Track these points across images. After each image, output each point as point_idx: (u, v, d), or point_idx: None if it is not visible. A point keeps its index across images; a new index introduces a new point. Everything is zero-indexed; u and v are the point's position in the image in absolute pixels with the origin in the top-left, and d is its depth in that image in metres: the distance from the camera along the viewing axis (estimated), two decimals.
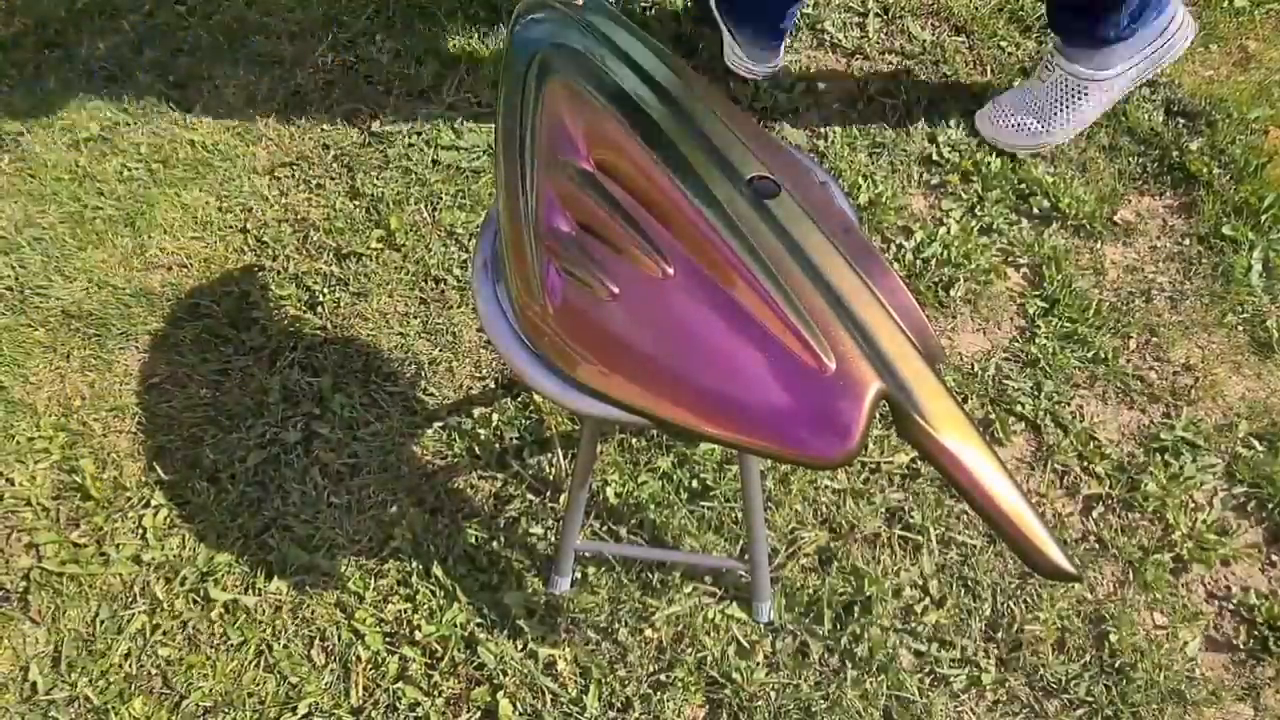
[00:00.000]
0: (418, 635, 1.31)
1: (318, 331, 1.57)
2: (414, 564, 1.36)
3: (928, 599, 1.32)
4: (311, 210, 1.70)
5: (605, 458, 1.44)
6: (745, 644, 1.30)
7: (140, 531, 1.41)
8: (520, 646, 1.30)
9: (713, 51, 1.85)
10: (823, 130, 1.76)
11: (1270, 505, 1.38)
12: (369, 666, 1.30)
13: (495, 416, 1.48)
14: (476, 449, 1.45)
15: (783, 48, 1.81)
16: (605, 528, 1.39)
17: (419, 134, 1.78)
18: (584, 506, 1.24)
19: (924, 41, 1.87)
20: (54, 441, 1.48)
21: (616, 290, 0.82)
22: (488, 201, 1.70)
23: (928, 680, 1.27)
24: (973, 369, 1.51)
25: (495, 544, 1.38)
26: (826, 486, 1.41)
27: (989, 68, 1.84)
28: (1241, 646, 1.29)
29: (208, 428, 1.49)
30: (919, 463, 1.42)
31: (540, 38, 0.97)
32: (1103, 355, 1.50)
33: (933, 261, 1.60)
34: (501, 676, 1.28)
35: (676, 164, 0.86)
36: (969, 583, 1.33)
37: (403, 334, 1.56)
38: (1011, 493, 0.73)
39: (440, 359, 1.54)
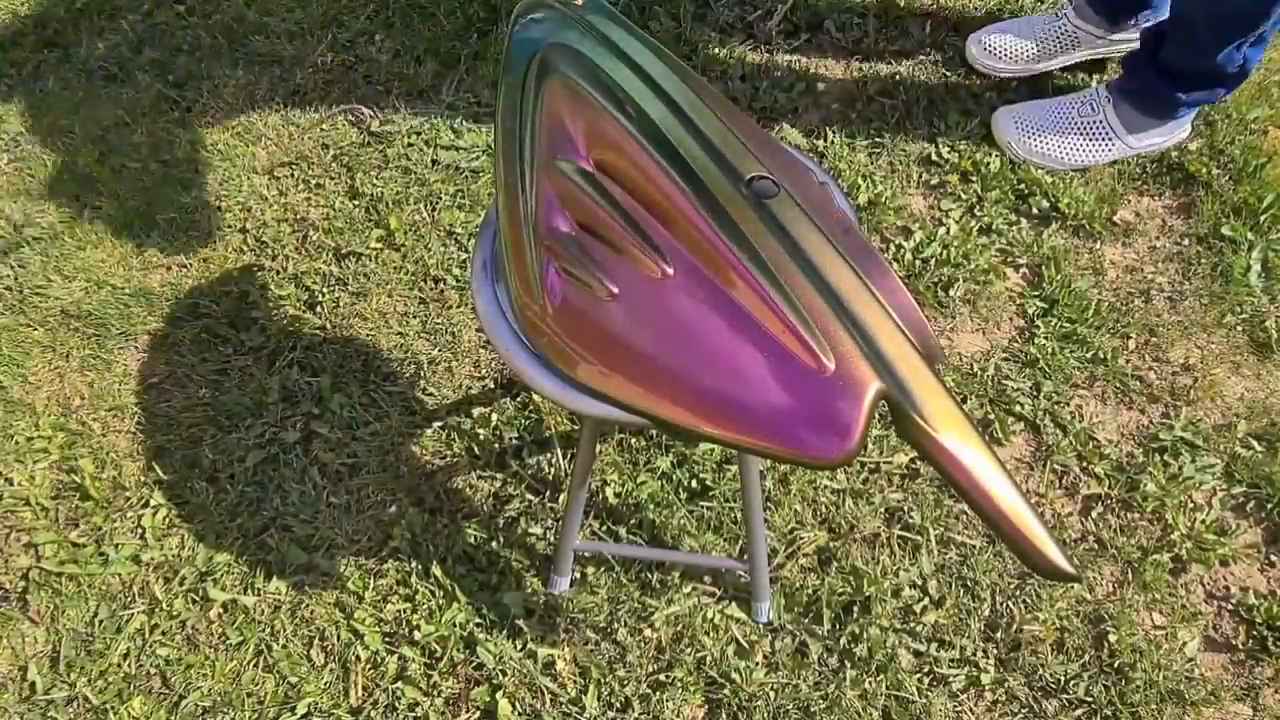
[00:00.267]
0: (417, 635, 1.31)
1: (317, 331, 1.57)
2: (413, 564, 1.36)
3: (927, 599, 1.32)
4: (311, 210, 1.70)
5: (604, 458, 1.44)
6: (744, 644, 1.30)
7: (139, 531, 1.41)
8: (519, 646, 1.30)
9: (712, 51, 1.85)
10: (822, 130, 1.76)
11: (1269, 505, 1.38)
12: (368, 666, 1.30)
13: (494, 416, 1.48)
14: (476, 449, 1.45)
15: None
16: (604, 528, 1.39)
17: (418, 134, 1.78)
18: (583, 506, 1.23)
19: (923, 41, 1.87)
20: (53, 441, 1.48)
21: (616, 290, 0.82)
22: (487, 201, 1.70)
23: (927, 680, 1.27)
24: (972, 369, 1.51)
25: (494, 544, 1.38)
26: (826, 486, 1.41)
27: None
28: (1240, 647, 1.29)
29: (207, 427, 1.49)
30: (918, 463, 1.42)
31: (540, 37, 0.97)
32: (1102, 355, 1.51)
33: (932, 261, 1.60)
34: (500, 676, 1.28)
35: (676, 164, 0.86)
36: (968, 583, 1.33)
37: (402, 334, 1.56)
38: (1010, 493, 0.73)
39: (439, 359, 1.54)
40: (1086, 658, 1.28)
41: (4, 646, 1.33)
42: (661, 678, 1.28)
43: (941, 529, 1.37)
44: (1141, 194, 1.68)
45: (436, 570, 1.35)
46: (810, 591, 1.33)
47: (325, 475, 1.44)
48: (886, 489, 1.41)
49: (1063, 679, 1.27)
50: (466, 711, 1.27)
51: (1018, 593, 1.32)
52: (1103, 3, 1.71)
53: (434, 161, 1.75)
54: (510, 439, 1.46)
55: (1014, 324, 1.56)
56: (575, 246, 0.85)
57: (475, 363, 1.54)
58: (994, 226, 1.64)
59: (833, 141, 1.74)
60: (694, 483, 1.41)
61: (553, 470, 1.44)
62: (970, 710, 1.26)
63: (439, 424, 1.48)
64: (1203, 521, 1.37)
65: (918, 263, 1.60)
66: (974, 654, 1.29)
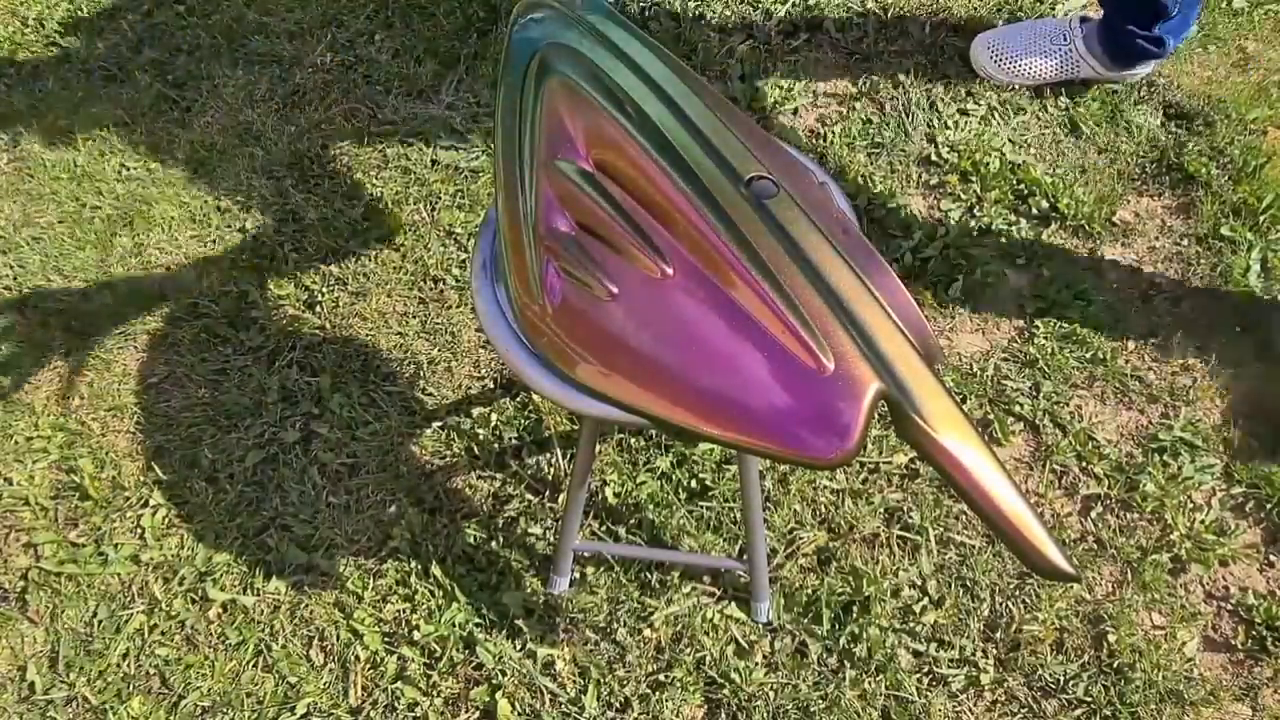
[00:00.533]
0: (416, 635, 1.31)
1: (316, 331, 1.57)
2: (412, 564, 1.36)
3: (926, 599, 1.32)
4: (310, 210, 1.70)
5: (604, 458, 1.44)
6: (744, 644, 1.30)
7: (139, 531, 1.41)
8: (519, 646, 1.30)
9: (712, 51, 1.85)
10: (822, 130, 1.77)
11: (1269, 505, 1.38)
12: (367, 666, 1.30)
13: (494, 416, 1.48)
14: (475, 449, 1.45)
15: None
16: (604, 527, 1.39)
17: (418, 134, 1.78)
18: (583, 506, 1.24)
19: (923, 41, 1.87)
20: (52, 441, 1.48)
21: (616, 290, 0.82)
22: (486, 201, 1.70)
23: (926, 680, 1.27)
24: (971, 369, 1.51)
25: (494, 544, 1.38)
26: (825, 486, 1.41)
27: None
28: (1240, 647, 1.29)
29: (206, 427, 1.49)
30: (918, 463, 1.42)
31: (539, 37, 0.97)
32: (1101, 355, 1.51)
33: (931, 261, 1.60)
34: (500, 676, 1.28)
35: (676, 164, 0.86)
36: (967, 583, 1.33)
37: (401, 334, 1.56)
38: (1010, 493, 0.73)
39: (439, 359, 1.54)
40: (1086, 658, 1.28)
41: (3, 646, 1.33)
42: (661, 678, 1.28)
43: (941, 529, 1.37)
44: (1141, 194, 1.68)
45: (436, 570, 1.35)
46: (810, 591, 1.33)
47: (325, 475, 1.44)
48: (886, 489, 1.41)
49: (1062, 679, 1.27)
50: (466, 711, 1.27)
51: (1017, 593, 1.32)
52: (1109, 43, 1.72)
53: (433, 161, 1.75)
54: (510, 439, 1.46)
55: (1013, 324, 1.56)
56: (575, 246, 0.85)
57: (475, 363, 1.54)
58: (993, 227, 1.64)
59: (832, 141, 1.75)
60: (693, 483, 1.41)
61: (552, 470, 1.44)
62: (969, 710, 1.26)
63: (438, 424, 1.48)
64: (1202, 522, 1.37)
65: (917, 262, 1.60)
66: (973, 654, 1.29)
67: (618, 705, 1.27)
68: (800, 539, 1.37)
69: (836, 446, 0.74)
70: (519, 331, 0.89)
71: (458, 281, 1.61)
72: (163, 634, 1.33)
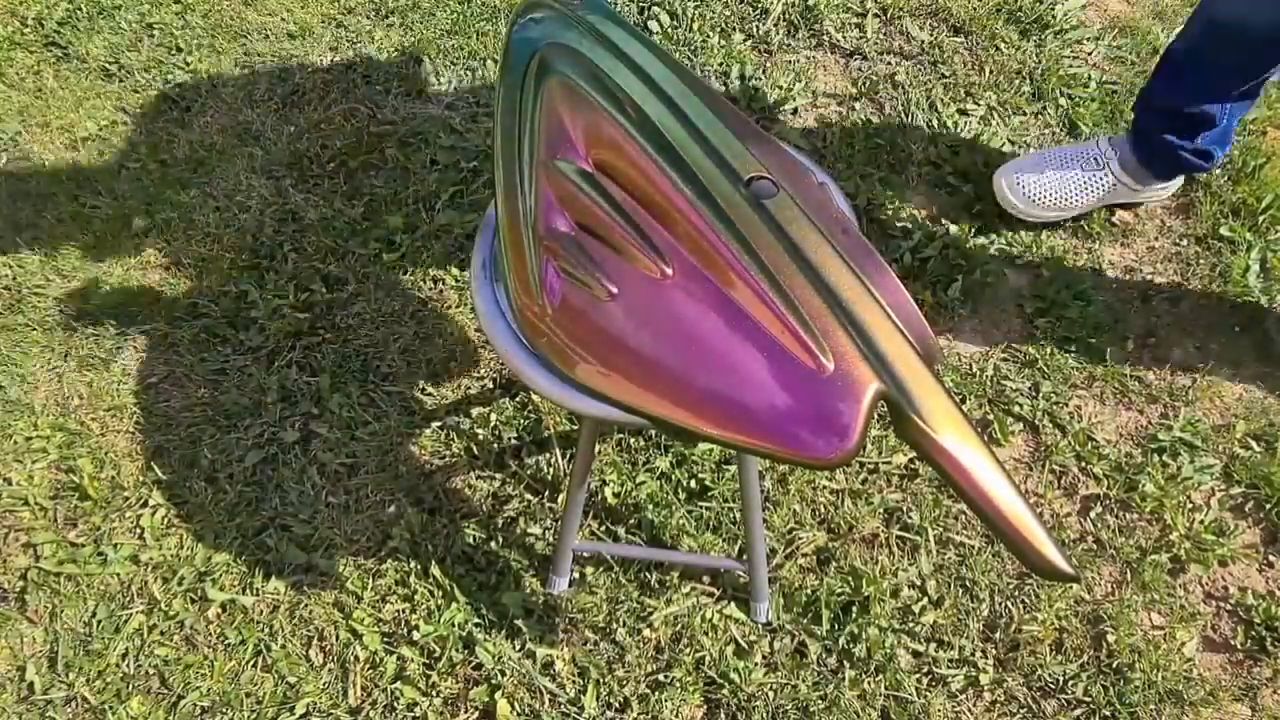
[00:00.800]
0: (416, 635, 1.31)
1: (316, 331, 1.57)
2: (412, 564, 1.36)
3: (926, 599, 1.32)
4: (309, 210, 1.70)
5: (603, 458, 1.44)
6: (743, 644, 1.30)
7: (138, 531, 1.41)
8: (518, 646, 1.30)
9: (712, 51, 1.85)
10: (822, 130, 1.77)
11: (1268, 506, 1.38)
12: (367, 666, 1.30)
13: (493, 416, 1.48)
14: (474, 449, 1.45)
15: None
16: (603, 528, 1.39)
17: (417, 133, 1.78)
18: (582, 506, 1.24)
19: (922, 42, 1.87)
20: (52, 441, 1.48)
21: (615, 290, 0.82)
22: (486, 201, 1.70)
23: (925, 680, 1.27)
24: (971, 369, 1.51)
25: (493, 544, 1.38)
26: (825, 487, 1.41)
27: (987, 68, 1.84)
28: (1239, 647, 1.29)
29: (206, 427, 1.49)
30: (917, 463, 1.42)
31: (539, 37, 0.97)
32: (1101, 356, 1.51)
33: (931, 261, 1.60)
34: (499, 676, 1.28)
35: (675, 164, 0.86)
36: (967, 583, 1.33)
37: (401, 334, 1.56)
38: (1009, 493, 0.73)
39: (438, 359, 1.54)
40: (1085, 658, 1.28)
41: (2, 646, 1.33)
42: (660, 678, 1.28)
43: (940, 529, 1.37)
44: None
45: (435, 570, 1.35)
46: (809, 592, 1.33)
47: (324, 475, 1.44)
48: (885, 489, 1.41)
49: (1061, 679, 1.27)
50: (465, 711, 1.27)
51: (1016, 593, 1.32)
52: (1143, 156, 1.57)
53: (433, 161, 1.75)
54: (509, 439, 1.46)
55: (1013, 324, 1.56)
56: (574, 246, 0.85)
57: (474, 363, 1.54)
58: (993, 227, 1.64)
59: (832, 141, 1.75)
60: (693, 483, 1.41)
61: (551, 470, 1.44)
62: (969, 710, 1.26)
63: (438, 424, 1.48)
64: (1201, 522, 1.37)
65: (916, 262, 1.60)
66: (973, 654, 1.29)
67: (617, 705, 1.26)
68: (799, 539, 1.37)
69: (836, 447, 0.74)
70: (518, 331, 0.89)
71: (457, 281, 1.61)
72: (162, 634, 1.33)
